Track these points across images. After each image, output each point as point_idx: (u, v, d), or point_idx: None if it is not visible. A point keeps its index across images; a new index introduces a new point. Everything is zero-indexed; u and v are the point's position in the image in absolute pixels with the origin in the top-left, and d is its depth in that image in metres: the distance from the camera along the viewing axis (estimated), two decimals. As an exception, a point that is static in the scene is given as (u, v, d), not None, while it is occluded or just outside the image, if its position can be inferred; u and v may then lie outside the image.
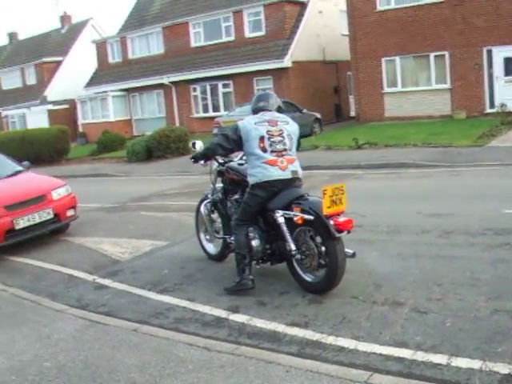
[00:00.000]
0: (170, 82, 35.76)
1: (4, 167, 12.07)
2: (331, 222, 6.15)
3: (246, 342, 5.56)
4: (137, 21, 40.37)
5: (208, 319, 6.32)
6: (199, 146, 7.83)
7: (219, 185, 8.10)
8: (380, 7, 27.63)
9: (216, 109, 33.95)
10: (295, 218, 6.40)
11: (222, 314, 6.39)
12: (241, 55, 32.54)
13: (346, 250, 6.37)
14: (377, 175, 15.02)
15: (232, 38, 33.28)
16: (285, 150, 6.70)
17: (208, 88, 34.44)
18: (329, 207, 6.13)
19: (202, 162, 7.69)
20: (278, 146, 6.67)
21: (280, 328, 5.81)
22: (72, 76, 43.62)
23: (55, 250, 10.43)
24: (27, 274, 9.25)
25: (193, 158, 7.66)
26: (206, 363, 5.07)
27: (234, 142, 6.82)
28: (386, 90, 28.29)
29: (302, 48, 31.61)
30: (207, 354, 5.26)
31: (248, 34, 32.71)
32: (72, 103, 42.02)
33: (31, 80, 47.43)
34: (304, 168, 7.06)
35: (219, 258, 8.31)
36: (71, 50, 46.98)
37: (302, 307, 6.27)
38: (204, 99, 34.96)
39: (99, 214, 13.55)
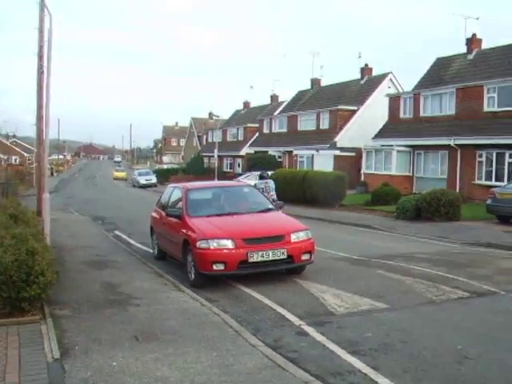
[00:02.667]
0: (456, 145, 34.91)
1: (259, 203, 13.17)
2: None
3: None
4: (433, 79, 40.27)
5: (375, 393, 6.14)
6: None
7: None
8: None
9: (499, 178, 32.31)
10: None
11: (393, 392, 6.14)
12: (534, 125, 30.73)
13: None
14: None
15: (527, 107, 31.61)
16: (269, 192, 18.19)
17: (494, 155, 33.00)
18: None
19: None
20: (267, 190, 18.51)
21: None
22: (363, 126, 44.79)
23: (281, 289, 10.90)
24: (246, 305, 9.88)
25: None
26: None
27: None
28: None
29: None
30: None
31: (544, 103, 30.85)
32: (358, 152, 43.07)
33: (324, 125, 49.62)
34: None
35: None
36: (367, 101, 48.26)
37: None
38: (488, 166, 33.55)
39: (341, 264, 13.69)
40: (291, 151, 50.97)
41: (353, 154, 44.33)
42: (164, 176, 72.88)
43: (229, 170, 67.57)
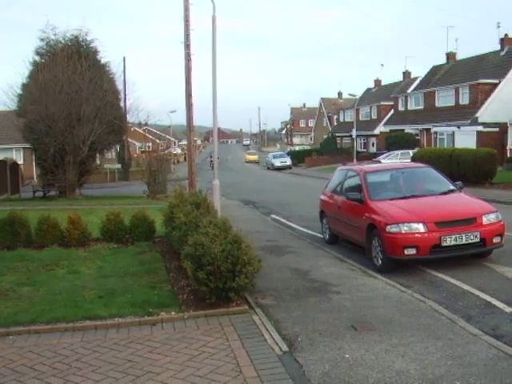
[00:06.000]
0: None
1: (438, 184, 12.61)
2: None
3: None
4: None
5: None
6: None
7: None
8: None
9: None
10: None
11: None
12: None
13: None
14: None
15: None
16: None
17: None
18: None
19: None
20: None
21: None
22: (504, 99, 42.64)
23: (475, 274, 10.41)
24: (445, 290, 9.51)
25: None
26: None
27: None
28: None
29: None
30: None
31: None
32: (503, 127, 41.16)
33: (464, 100, 47.72)
34: None
35: None
36: (508, 74, 45.80)
37: None
38: None
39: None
40: (429, 129, 49.56)
41: (496, 129, 42.43)
42: (297, 157, 72.99)
43: (362, 149, 66.72)
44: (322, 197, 14.95)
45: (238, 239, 8.34)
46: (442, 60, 58.28)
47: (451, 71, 54.28)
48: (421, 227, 10.37)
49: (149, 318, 8.03)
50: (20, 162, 44.71)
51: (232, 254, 8.06)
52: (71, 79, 29.29)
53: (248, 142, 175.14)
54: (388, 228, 10.50)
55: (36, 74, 30.79)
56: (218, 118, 16.94)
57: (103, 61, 33.99)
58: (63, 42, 32.70)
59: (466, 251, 10.74)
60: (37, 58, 32.74)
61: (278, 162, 67.37)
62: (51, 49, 32.32)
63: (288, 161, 67.98)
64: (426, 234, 10.34)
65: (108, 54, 76.94)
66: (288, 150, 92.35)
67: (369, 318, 7.82)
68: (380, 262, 10.91)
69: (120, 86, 37.62)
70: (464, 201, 11.79)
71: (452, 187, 12.39)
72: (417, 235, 10.35)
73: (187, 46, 25.23)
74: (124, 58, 47.49)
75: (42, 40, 32.90)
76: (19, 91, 31.88)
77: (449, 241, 10.33)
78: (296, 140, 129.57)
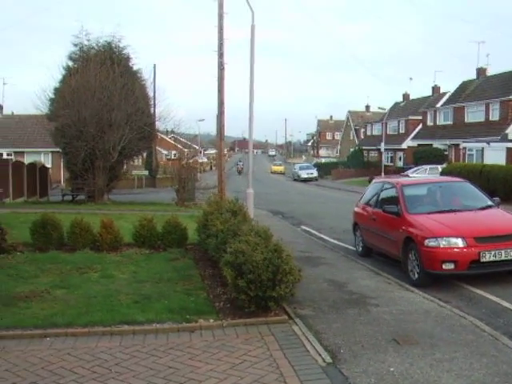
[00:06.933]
0: None
1: (476, 199, 12.51)
2: None
3: None
4: None
5: None
6: None
7: None
8: None
9: None
10: None
11: None
12: None
13: None
14: None
15: None
16: None
17: None
18: None
19: None
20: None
21: None
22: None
23: (514, 291, 10.27)
24: (483, 306, 9.38)
25: None
26: None
27: None
28: None
29: None
30: None
31: None
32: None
33: (494, 116, 47.38)
34: None
35: None
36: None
37: None
38: None
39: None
40: (458, 144, 49.18)
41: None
42: (323, 170, 72.97)
43: (389, 163, 66.32)
44: (356, 209, 14.86)
45: (279, 248, 8.29)
46: (472, 75, 57.93)
47: (481, 87, 53.89)
48: (460, 242, 10.25)
49: (187, 324, 8.00)
50: (48, 165, 45.09)
51: (273, 262, 8.00)
52: (103, 85, 29.44)
53: (274, 153, 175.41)
54: (426, 242, 10.39)
55: (68, 78, 30.96)
56: (244, 127, 16.95)
57: (135, 67, 34.10)
58: (96, 47, 32.88)
59: (505, 267, 10.58)
60: (70, 63, 32.92)
61: (304, 174, 67.46)
62: (84, 54, 32.49)
63: (314, 172, 68.06)
64: (465, 249, 10.21)
65: (140, 61, 76.99)
66: (314, 161, 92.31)
67: (410, 331, 7.72)
68: (416, 275, 10.78)
69: (150, 94, 37.68)
70: (503, 217, 11.64)
71: (490, 203, 12.27)
72: (455, 250, 10.23)
73: (220, 55, 25.25)
74: (154, 65, 47.68)
75: (76, 45, 33.10)
76: (51, 95, 32.10)
77: (488, 256, 10.20)
78: (322, 152, 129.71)
